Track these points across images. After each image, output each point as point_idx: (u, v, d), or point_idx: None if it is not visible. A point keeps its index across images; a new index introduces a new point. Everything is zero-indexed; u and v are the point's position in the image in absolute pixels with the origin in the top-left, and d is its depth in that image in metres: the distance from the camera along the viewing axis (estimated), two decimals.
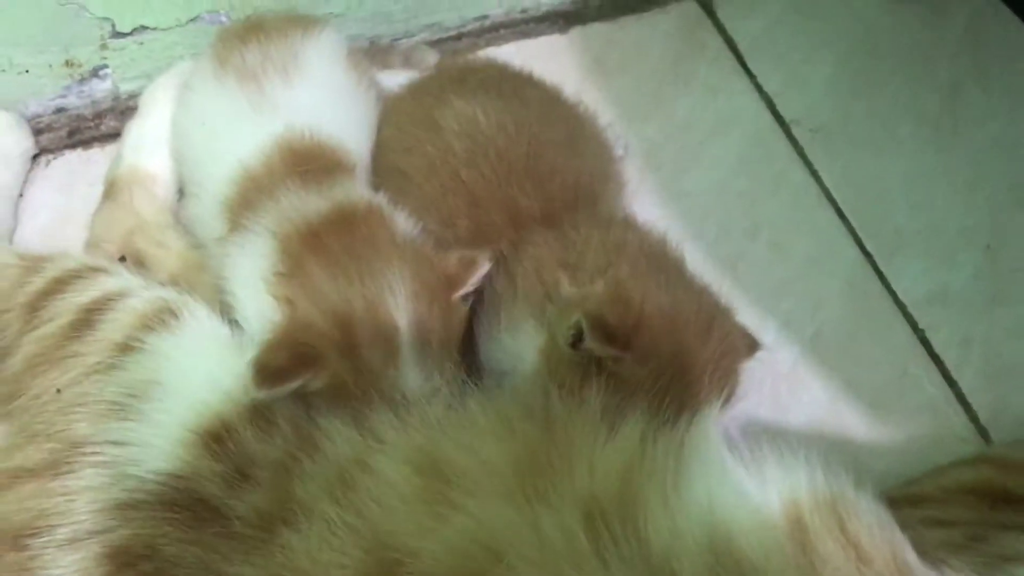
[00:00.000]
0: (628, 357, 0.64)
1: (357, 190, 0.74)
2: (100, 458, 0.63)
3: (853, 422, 0.79)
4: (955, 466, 0.72)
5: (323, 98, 0.81)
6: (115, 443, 0.63)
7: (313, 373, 0.64)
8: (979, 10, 1.07)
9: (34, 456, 0.65)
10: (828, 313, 0.85)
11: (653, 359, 0.64)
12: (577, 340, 0.64)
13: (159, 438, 0.63)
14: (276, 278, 0.69)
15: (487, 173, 0.75)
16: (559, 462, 0.59)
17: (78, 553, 0.59)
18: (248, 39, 0.84)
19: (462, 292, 0.70)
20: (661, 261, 0.71)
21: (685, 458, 0.60)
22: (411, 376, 0.66)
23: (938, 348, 0.83)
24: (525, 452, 0.60)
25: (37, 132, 0.98)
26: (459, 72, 0.87)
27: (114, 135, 0.98)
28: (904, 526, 0.62)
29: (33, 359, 0.73)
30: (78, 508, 0.61)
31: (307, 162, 0.75)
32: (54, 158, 0.99)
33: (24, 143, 0.96)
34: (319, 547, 0.57)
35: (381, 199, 0.75)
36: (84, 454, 0.63)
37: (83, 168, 0.98)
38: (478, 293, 0.73)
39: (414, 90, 0.87)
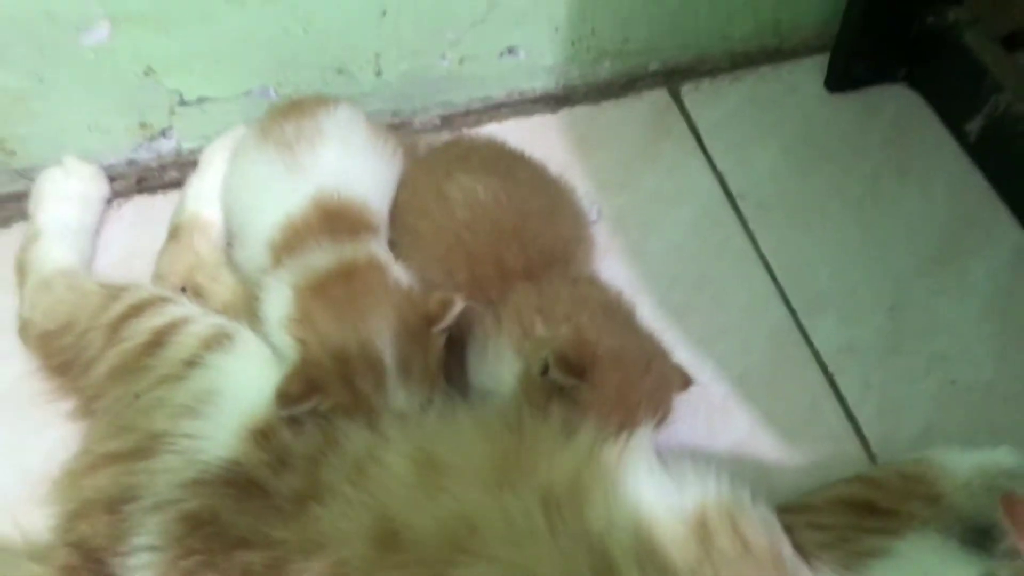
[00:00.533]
0: (583, 385, 0.83)
1: (365, 248, 0.93)
2: (175, 447, 0.81)
3: (770, 446, 0.98)
4: (837, 483, 0.90)
5: (343, 161, 1.00)
6: (186, 436, 0.82)
7: (320, 399, 0.83)
8: (904, 108, 1.27)
9: (123, 445, 0.84)
10: (755, 357, 1.04)
11: (603, 388, 0.83)
12: (545, 370, 0.84)
13: (220, 433, 0.82)
14: (291, 322, 0.88)
15: (483, 236, 0.95)
16: (526, 461, 0.78)
17: (158, 516, 0.78)
18: (288, 116, 1.05)
19: (440, 327, 0.88)
20: (615, 312, 0.91)
21: (623, 465, 0.79)
22: (397, 397, 0.85)
23: (843, 389, 1.02)
24: (500, 452, 0.79)
25: (111, 179, 1.16)
26: (464, 151, 1.07)
27: (175, 184, 1.17)
28: (789, 528, 0.81)
29: (115, 370, 0.92)
30: (158, 483, 0.80)
31: (337, 220, 0.95)
32: (125, 202, 1.18)
33: (102, 190, 1.15)
34: (339, 518, 0.75)
35: (382, 254, 0.94)
36: (162, 444, 0.82)
37: (149, 211, 1.17)
38: (469, 329, 0.93)
39: (427, 163, 1.07)
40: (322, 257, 0.90)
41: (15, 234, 1.11)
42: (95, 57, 1.07)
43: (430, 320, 0.87)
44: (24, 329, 1.02)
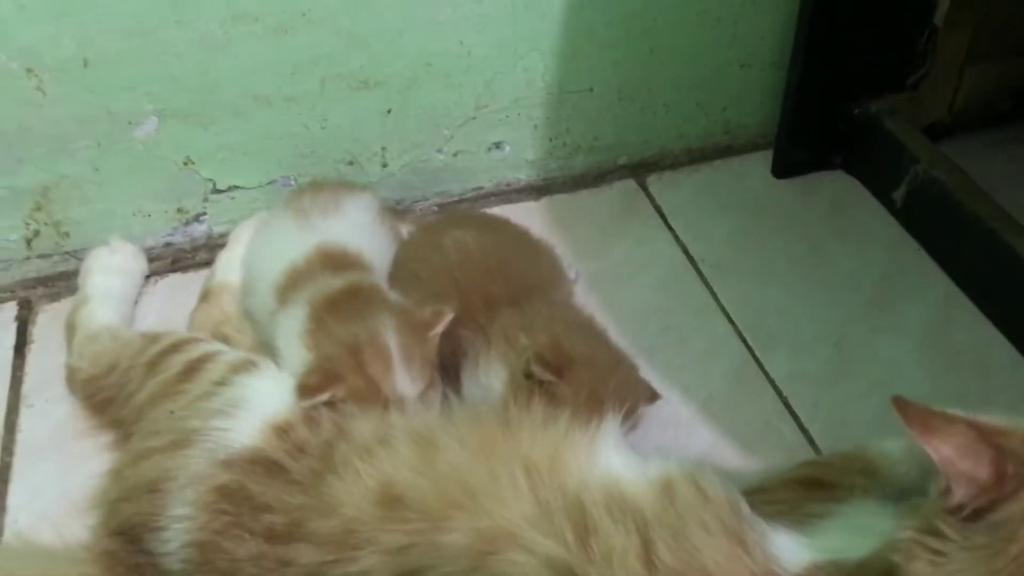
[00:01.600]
0: (560, 383, 0.97)
1: (366, 276, 1.10)
2: (208, 439, 0.94)
3: (732, 457, 1.09)
4: (787, 469, 1.02)
5: (350, 229, 1.18)
6: (217, 430, 0.95)
7: (336, 387, 0.96)
8: (841, 188, 1.45)
9: (162, 441, 0.96)
10: (717, 385, 1.18)
11: (577, 385, 0.97)
12: (528, 372, 0.98)
13: (246, 428, 0.94)
14: (306, 333, 1.03)
15: (470, 273, 1.10)
16: (511, 440, 0.90)
17: (193, 490, 0.90)
18: (308, 191, 1.23)
19: (434, 332, 1.03)
20: (587, 327, 1.06)
21: (595, 442, 0.92)
22: (403, 382, 0.98)
23: (796, 409, 1.15)
24: (489, 434, 0.91)
25: (149, 260, 1.33)
26: (458, 216, 1.25)
27: (205, 264, 1.33)
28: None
29: (153, 396, 1.04)
30: (193, 465, 0.92)
31: (336, 261, 1.11)
32: (160, 279, 1.35)
33: (142, 266, 1.32)
34: (350, 486, 0.87)
35: (380, 284, 1.10)
36: (196, 437, 0.94)
37: (181, 287, 1.33)
38: (460, 354, 1.07)
39: (425, 226, 1.24)
40: (330, 282, 1.06)
41: (64, 306, 1.28)
42: (143, 148, 1.26)
43: (426, 327, 1.02)
44: (71, 376, 1.16)
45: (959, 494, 0.71)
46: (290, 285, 1.10)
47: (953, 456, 0.71)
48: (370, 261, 1.15)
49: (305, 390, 0.96)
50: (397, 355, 0.99)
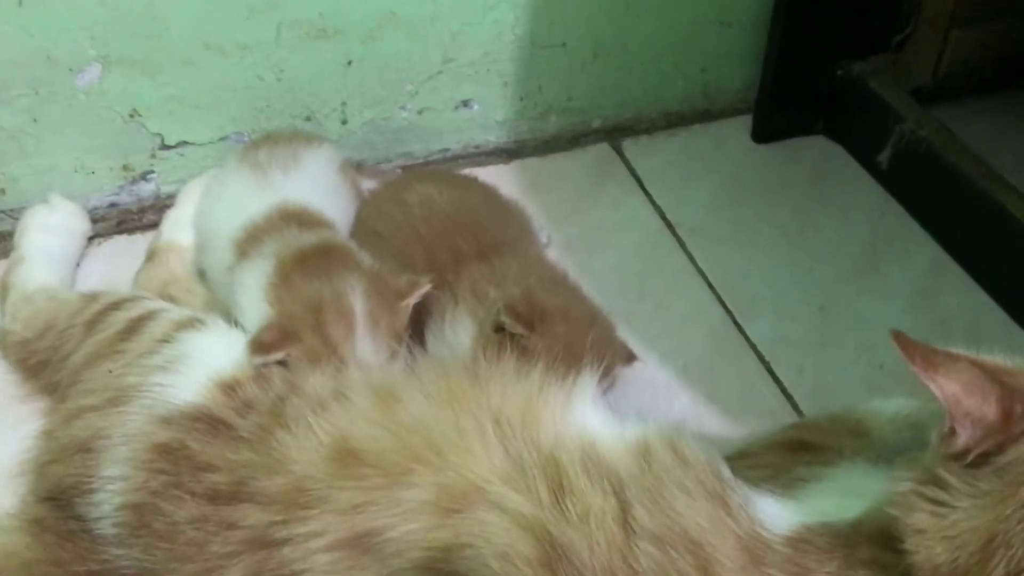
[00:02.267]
0: (533, 337, 0.90)
1: (334, 235, 1.03)
2: (146, 395, 0.86)
3: (712, 422, 1.03)
4: (769, 434, 0.96)
5: (311, 185, 1.10)
6: (157, 385, 0.87)
7: (292, 346, 0.89)
8: (823, 154, 1.40)
9: (96, 400, 0.88)
10: (696, 350, 1.12)
11: (551, 339, 0.90)
12: (500, 326, 0.91)
13: (189, 383, 0.86)
14: (270, 287, 0.95)
15: (437, 228, 1.03)
16: (480, 393, 0.83)
17: (128, 448, 0.82)
18: (265, 144, 1.16)
19: (407, 302, 0.95)
20: (561, 281, 1.00)
21: (570, 398, 0.85)
22: (365, 347, 0.91)
23: (779, 374, 1.09)
24: (456, 385, 0.84)
25: (93, 221, 1.25)
26: (421, 173, 1.18)
27: (153, 226, 1.25)
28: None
29: (90, 356, 0.96)
30: (129, 423, 0.84)
31: (298, 218, 1.03)
32: (105, 241, 1.26)
33: (84, 226, 1.23)
34: (301, 441, 0.80)
35: (353, 245, 1.03)
36: (134, 394, 0.86)
37: (127, 248, 1.25)
38: (427, 311, 1.00)
39: (388, 183, 1.17)
40: (301, 238, 0.99)
41: None
42: (86, 98, 1.18)
43: (399, 295, 0.95)
44: (3, 339, 1.08)
45: (964, 436, 0.66)
46: (250, 240, 1.02)
47: (959, 394, 0.66)
48: (332, 220, 1.07)
49: (258, 347, 0.89)
50: (361, 319, 0.92)
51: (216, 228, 1.08)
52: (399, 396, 0.83)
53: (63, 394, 0.97)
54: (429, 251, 1.02)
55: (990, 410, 0.65)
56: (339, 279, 0.92)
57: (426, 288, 0.97)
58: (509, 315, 0.89)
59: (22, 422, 0.99)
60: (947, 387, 0.66)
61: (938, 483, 0.66)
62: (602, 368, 0.91)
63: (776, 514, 0.74)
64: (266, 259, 0.98)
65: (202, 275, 1.13)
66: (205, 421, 0.83)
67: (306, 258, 0.96)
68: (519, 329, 0.89)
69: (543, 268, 1.01)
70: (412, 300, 0.96)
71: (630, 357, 0.99)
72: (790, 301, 1.18)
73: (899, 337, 0.67)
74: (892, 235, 1.27)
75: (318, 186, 1.11)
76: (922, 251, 1.25)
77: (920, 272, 1.22)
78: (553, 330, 0.90)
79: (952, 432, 0.66)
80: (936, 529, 0.64)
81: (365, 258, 1.00)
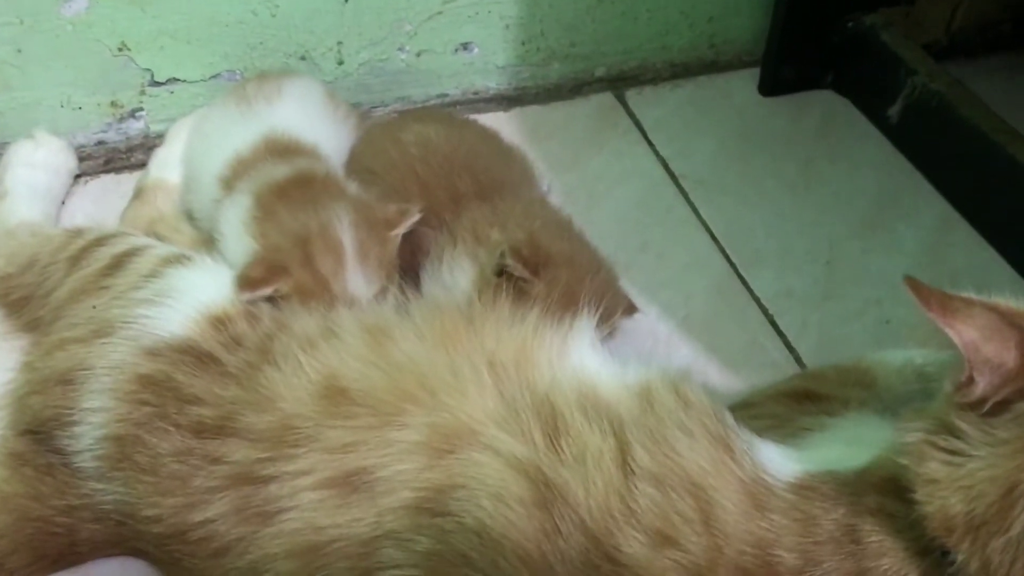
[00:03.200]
0: (535, 281, 0.87)
1: (320, 164, 0.99)
2: (131, 327, 0.83)
3: (714, 374, 1.01)
4: (774, 384, 0.93)
5: (297, 114, 1.06)
6: (144, 316, 0.84)
7: (281, 281, 0.86)
8: (831, 108, 1.37)
9: (79, 332, 0.85)
10: (697, 302, 1.09)
11: (553, 284, 0.87)
12: (500, 270, 0.87)
13: (176, 316, 0.83)
14: (252, 220, 0.91)
15: (435, 168, 1.00)
16: (475, 335, 0.81)
17: (111, 379, 0.79)
18: (251, 81, 1.12)
19: (396, 232, 0.92)
20: (566, 227, 0.96)
21: (568, 340, 0.82)
22: (355, 281, 0.88)
23: (783, 327, 1.06)
24: (450, 328, 0.81)
25: (80, 159, 1.21)
26: (418, 113, 1.14)
27: (141, 165, 1.21)
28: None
29: (74, 291, 0.93)
30: (113, 354, 0.81)
31: (284, 149, 1.00)
32: (91, 179, 1.23)
33: (70, 163, 1.19)
34: (290, 379, 0.77)
35: (336, 172, 0.99)
36: (118, 326, 0.83)
37: (114, 188, 1.21)
38: (421, 250, 0.97)
39: (382, 123, 1.14)
40: (279, 169, 0.95)
41: None
42: (73, 29, 1.13)
43: (387, 225, 0.91)
44: None
45: (982, 384, 0.64)
46: (235, 175, 0.99)
47: (978, 340, 0.63)
48: (323, 152, 1.03)
49: (246, 282, 0.86)
50: (351, 251, 0.89)
51: (202, 164, 1.05)
52: (391, 335, 0.80)
53: (45, 330, 0.94)
54: (426, 191, 0.98)
55: (1010, 356, 0.63)
56: (325, 210, 0.89)
57: (416, 217, 0.94)
58: (514, 258, 0.86)
59: (2, 359, 0.96)
60: (965, 333, 0.63)
61: (952, 432, 0.64)
62: (602, 316, 0.88)
63: (780, 461, 0.72)
64: (246, 194, 0.94)
65: (189, 215, 1.09)
66: (192, 354, 0.81)
67: (288, 189, 0.93)
68: (523, 273, 0.86)
69: (547, 213, 0.98)
70: (401, 229, 0.93)
71: (631, 308, 0.97)
72: (795, 255, 1.15)
73: (913, 283, 0.65)
74: (900, 191, 1.24)
75: (304, 115, 1.07)
76: (930, 207, 1.22)
77: (928, 228, 1.19)
78: (556, 276, 0.88)
79: (970, 380, 0.63)
80: (951, 479, 0.62)
81: (351, 187, 0.97)
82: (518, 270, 0.86)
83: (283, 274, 0.86)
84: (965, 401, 0.64)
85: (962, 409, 0.64)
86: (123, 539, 0.80)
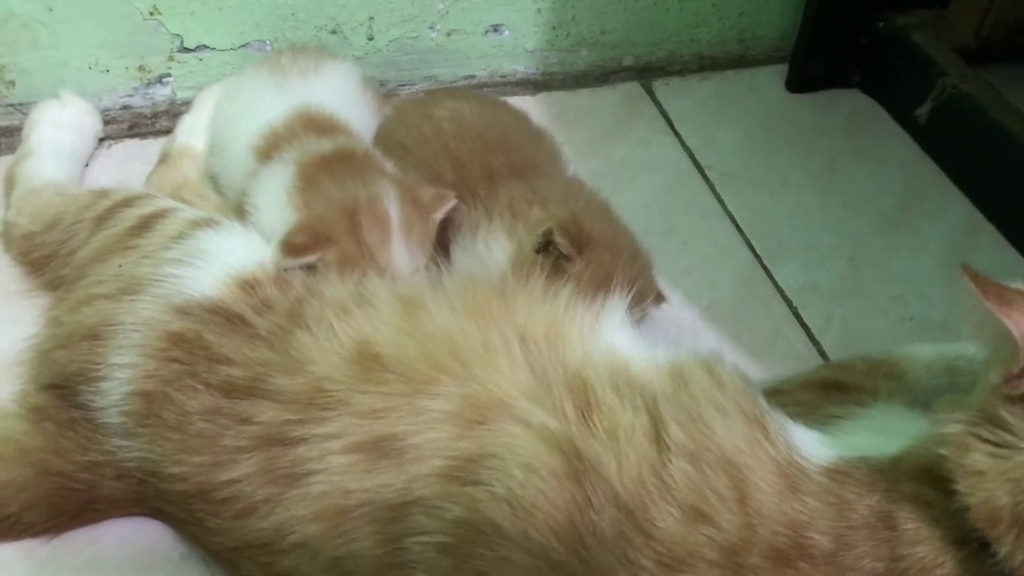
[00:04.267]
0: (576, 260, 0.86)
1: (359, 141, 0.99)
2: (162, 284, 0.82)
3: (737, 362, 0.99)
4: (803, 373, 0.93)
5: (332, 93, 1.06)
6: (173, 275, 0.83)
7: (327, 250, 0.86)
8: (858, 108, 1.36)
9: (108, 288, 0.84)
10: (721, 291, 1.09)
11: (593, 265, 0.87)
12: (543, 246, 0.87)
13: (206, 277, 0.83)
14: (295, 191, 0.91)
15: (468, 144, 0.99)
16: (507, 310, 0.80)
17: (140, 335, 0.78)
18: (287, 52, 1.11)
19: (436, 215, 0.92)
20: (605, 210, 0.96)
21: (598, 319, 0.81)
22: (399, 254, 0.87)
23: (807, 319, 1.06)
24: (483, 301, 0.80)
25: (105, 122, 1.20)
26: (449, 91, 1.14)
27: (166, 132, 1.21)
28: None
29: (99, 251, 0.92)
30: (142, 311, 0.80)
31: (319, 124, 0.99)
32: (115, 143, 1.22)
33: (96, 126, 1.19)
34: (322, 343, 0.76)
35: (376, 151, 0.99)
36: (149, 283, 0.83)
37: (138, 153, 1.20)
38: (452, 223, 0.96)
39: (412, 101, 1.13)
40: (322, 143, 0.95)
41: (4, 163, 1.14)
42: None
43: (428, 208, 0.91)
44: (7, 232, 1.04)
45: None
46: (269, 146, 0.99)
47: None
48: (355, 131, 1.03)
49: (291, 249, 0.85)
50: (397, 224, 0.88)
51: (232, 130, 1.05)
52: (424, 306, 0.80)
53: (69, 288, 0.93)
54: (459, 166, 0.98)
55: None
56: (372, 183, 0.89)
57: (452, 203, 0.93)
58: (562, 235, 0.85)
59: (23, 316, 0.95)
60: (1022, 324, 0.63)
61: (998, 424, 0.63)
62: (634, 301, 0.87)
63: (813, 445, 0.71)
64: (287, 164, 0.94)
65: (213, 180, 1.08)
66: (222, 315, 0.80)
67: (331, 163, 0.92)
68: (569, 250, 0.86)
69: (588, 194, 0.97)
70: (440, 214, 0.93)
71: (659, 298, 0.97)
72: (820, 249, 1.15)
73: (971, 272, 0.64)
74: (926, 192, 1.24)
75: (338, 94, 1.07)
76: (956, 209, 1.22)
77: (953, 229, 1.19)
78: (597, 257, 0.87)
79: (1022, 373, 0.63)
80: (997, 471, 0.62)
81: (389, 166, 0.97)
82: (565, 247, 0.86)
83: (328, 243, 0.86)
84: (1015, 393, 0.63)
85: (1010, 401, 0.63)
86: (144, 498, 0.79)
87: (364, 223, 0.87)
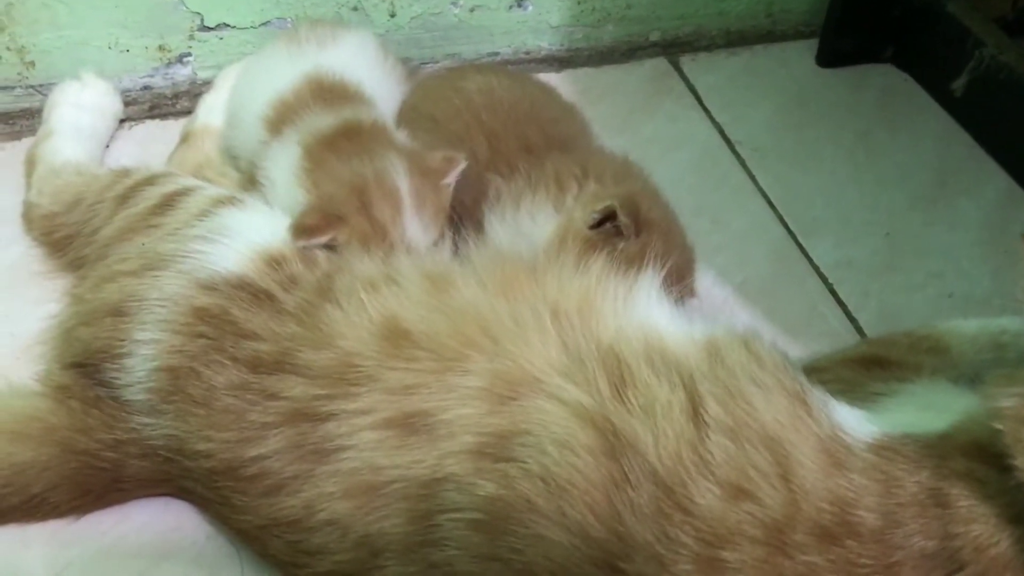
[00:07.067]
0: (634, 241, 0.84)
1: (367, 112, 0.95)
2: (187, 260, 0.81)
3: (773, 339, 0.97)
4: (843, 349, 0.90)
5: (349, 60, 1.03)
6: (198, 251, 0.82)
7: (338, 230, 0.84)
8: (890, 82, 1.33)
9: (131, 265, 0.83)
10: (754, 268, 1.06)
11: (644, 247, 0.84)
12: (599, 222, 0.84)
13: (231, 253, 0.81)
14: (303, 172, 0.89)
15: (501, 116, 0.97)
16: (536, 285, 0.78)
17: (166, 311, 0.77)
18: (305, 24, 1.09)
19: (447, 181, 0.90)
20: (657, 194, 0.94)
21: (632, 291, 0.79)
22: (413, 228, 0.85)
23: (843, 296, 1.03)
24: (512, 276, 0.78)
25: (125, 103, 1.19)
26: (477, 66, 1.12)
27: (186, 113, 1.19)
28: None
29: (121, 230, 0.91)
30: (167, 286, 0.79)
31: (331, 91, 0.97)
32: (136, 125, 1.21)
33: (116, 106, 1.17)
34: (352, 317, 0.74)
35: (385, 120, 0.96)
36: (174, 259, 0.81)
37: (159, 134, 1.19)
38: (484, 196, 0.94)
39: (439, 74, 1.11)
40: (326, 119, 0.93)
41: (24, 146, 1.13)
42: None
43: (438, 174, 0.89)
44: (28, 212, 1.03)
45: None
46: (279, 116, 0.97)
47: None
48: (371, 97, 1.01)
49: (301, 231, 0.83)
50: (408, 198, 0.86)
51: (247, 103, 1.03)
52: (452, 282, 0.78)
53: (91, 267, 0.92)
54: (494, 139, 0.96)
55: None
56: (380, 158, 0.87)
57: (462, 165, 0.91)
58: (626, 214, 0.83)
59: (44, 300, 0.94)
60: None
61: None
62: (677, 293, 0.85)
63: (856, 421, 0.69)
64: (295, 142, 0.92)
65: (229, 152, 1.07)
66: (248, 291, 0.78)
67: (337, 140, 0.90)
68: (630, 230, 0.83)
69: (643, 176, 0.95)
70: (451, 178, 0.90)
71: (692, 292, 0.94)
72: (855, 225, 1.12)
73: None
74: (962, 166, 1.21)
75: (356, 61, 1.04)
76: (993, 183, 1.19)
77: (991, 204, 1.16)
78: (651, 241, 0.85)
79: None
80: None
81: (399, 136, 0.95)
82: (626, 226, 0.83)
83: (339, 223, 0.84)
84: None
85: None
86: (170, 477, 0.78)
87: (374, 200, 0.85)
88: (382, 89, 1.04)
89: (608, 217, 0.84)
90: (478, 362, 0.71)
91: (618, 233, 0.84)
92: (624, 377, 0.70)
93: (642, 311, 0.78)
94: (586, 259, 0.81)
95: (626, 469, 0.65)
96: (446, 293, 0.77)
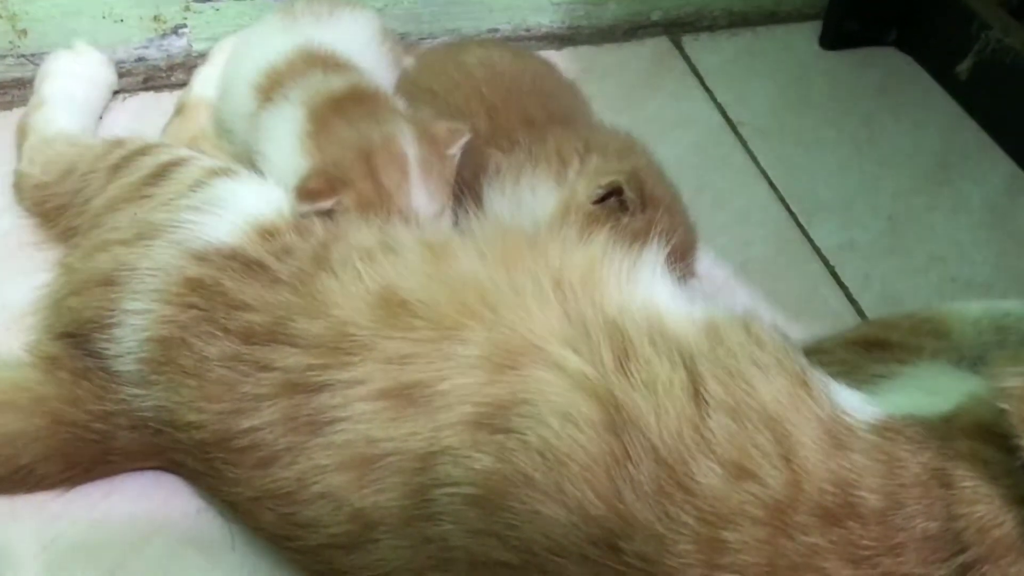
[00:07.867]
0: (639, 217, 0.83)
1: (366, 78, 0.94)
2: (178, 230, 0.79)
3: (773, 320, 0.97)
4: (845, 330, 0.89)
5: (344, 36, 1.01)
6: (190, 222, 0.80)
7: (343, 194, 0.82)
8: (894, 65, 1.32)
9: (123, 235, 0.81)
10: (755, 249, 1.05)
11: (647, 224, 0.84)
12: (603, 197, 0.83)
13: (224, 224, 0.80)
14: (306, 135, 0.87)
15: (502, 90, 0.96)
16: (538, 256, 0.76)
17: (157, 280, 0.75)
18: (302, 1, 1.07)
19: (451, 151, 0.88)
20: (660, 171, 0.92)
21: (636, 266, 0.78)
22: (419, 195, 0.84)
23: (844, 279, 1.02)
24: (513, 247, 0.77)
25: (119, 75, 1.17)
26: (477, 42, 1.10)
27: (181, 85, 1.17)
28: None
29: (114, 200, 0.89)
30: (158, 256, 0.77)
31: (322, 62, 0.95)
32: (130, 96, 1.19)
33: (110, 78, 1.15)
34: (347, 287, 0.73)
35: (386, 89, 0.95)
36: (165, 229, 0.80)
37: (153, 106, 1.17)
38: (483, 169, 0.92)
39: (438, 49, 1.10)
40: (329, 81, 0.91)
41: (16, 116, 1.11)
42: None
43: (442, 144, 0.87)
44: (19, 182, 1.01)
45: None
46: (270, 84, 0.95)
47: None
48: (364, 69, 0.99)
49: (305, 194, 0.82)
50: (415, 164, 0.85)
51: (237, 71, 1.01)
52: (452, 252, 0.76)
53: (82, 237, 0.90)
54: (494, 112, 0.95)
55: None
56: (387, 123, 0.85)
57: (467, 137, 0.89)
58: (633, 188, 0.82)
59: (34, 271, 0.92)
60: None
61: None
62: (679, 271, 0.84)
63: (858, 403, 0.68)
64: (295, 106, 0.90)
65: (220, 124, 1.05)
66: (240, 261, 0.77)
67: (344, 103, 0.89)
68: (636, 205, 0.82)
69: (646, 153, 0.94)
70: (455, 149, 0.89)
71: (694, 272, 0.93)
72: (857, 208, 1.11)
73: None
74: (966, 150, 1.20)
75: (351, 40, 1.02)
76: (997, 168, 1.18)
77: (995, 189, 1.15)
78: (656, 217, 0.84)
79: None
80: None
81: (401, 104, 0.93)
82: (632, 202, 0.82)
83: (344, 187, 0.82)
84: None
85: None
86: (160, 449, 0.77)
87: (381, 165, 0.83)
88: (377, 70, 1.03)
89: (613, 192, 0.82)
90: (477, 331, 0.70)
91: (622, 208, 0.83)
92: (627, 351, 0.68)
93: (645, 287, 0.76)
94: (588, 233, 0.80)
95: (627, 445, 0.63)
96: (444, 262, 0.75)
